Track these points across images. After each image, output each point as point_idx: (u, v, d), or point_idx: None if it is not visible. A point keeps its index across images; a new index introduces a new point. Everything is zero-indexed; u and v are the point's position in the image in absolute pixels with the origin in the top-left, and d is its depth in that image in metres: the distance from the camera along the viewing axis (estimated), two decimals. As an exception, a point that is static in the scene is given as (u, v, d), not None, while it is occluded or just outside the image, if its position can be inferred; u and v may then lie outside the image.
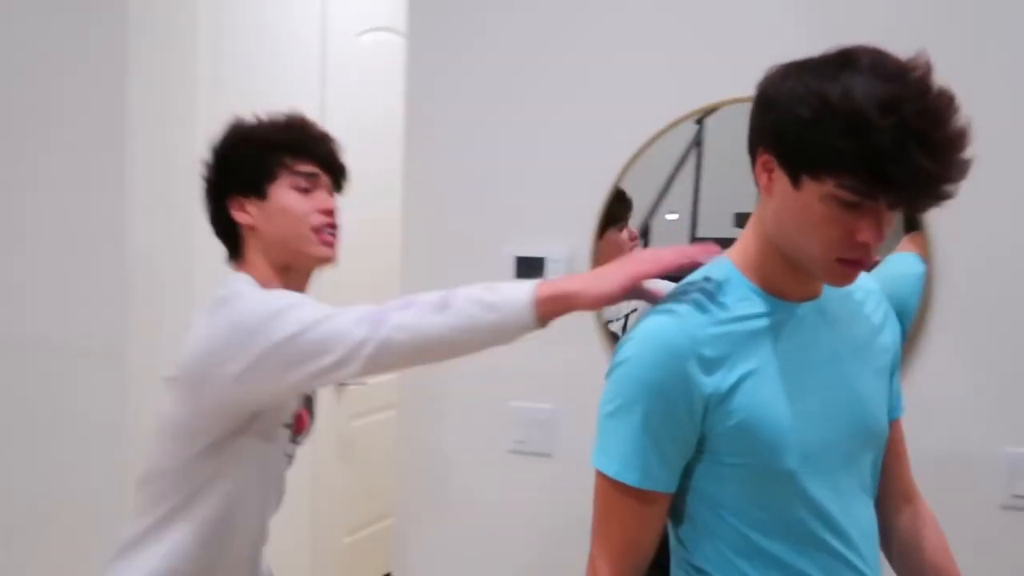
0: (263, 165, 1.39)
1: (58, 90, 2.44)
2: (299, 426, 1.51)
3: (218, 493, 1.37)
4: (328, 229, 1.41)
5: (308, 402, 1.57)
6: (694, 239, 2.02)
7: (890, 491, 1.19)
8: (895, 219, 0.98)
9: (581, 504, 2.15)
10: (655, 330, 1.03)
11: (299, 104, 2.84)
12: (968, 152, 0.91)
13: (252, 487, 1.42)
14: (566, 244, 2.11)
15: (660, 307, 1.06)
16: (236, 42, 2.75)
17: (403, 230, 2.23)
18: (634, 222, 2.06)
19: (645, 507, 1.08)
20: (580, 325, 2.11)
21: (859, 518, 1.07)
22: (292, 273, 1.42)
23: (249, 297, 1.29)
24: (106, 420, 2.43)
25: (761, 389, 1.00)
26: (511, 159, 2.12)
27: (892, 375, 1.17)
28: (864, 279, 1.16)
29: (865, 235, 0.94)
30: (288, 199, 1.38)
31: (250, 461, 1.38)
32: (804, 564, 1.03)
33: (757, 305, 1.05)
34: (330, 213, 1.41)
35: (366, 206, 2.55)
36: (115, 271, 2.42)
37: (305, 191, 1.40)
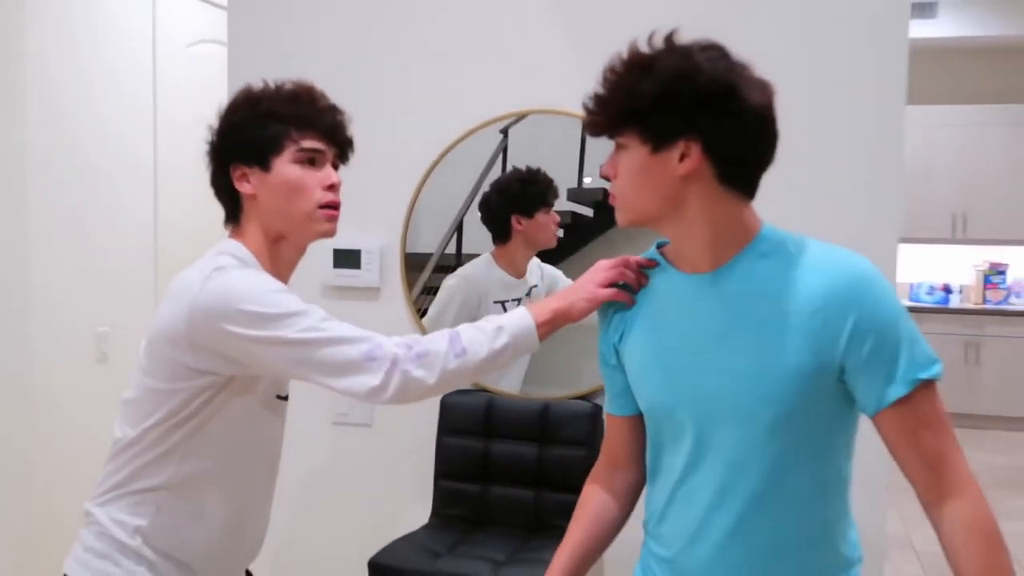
0: (268, 138, 1.37)
1: None
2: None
3: (191, 457, 1.35)
4: (331, 204, 1.41)
5: None
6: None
7: (915, 486, 1.12)
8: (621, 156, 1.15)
9: (399, 468, 2.40)
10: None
11: (132, 110, 3.00)
12: None
13: (235, 455, 1.39)
14: (378, 238, 2.38)
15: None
16: (70, 53, 2.83)
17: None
18: (446, 220, 2.35)
19: (612, 425, 1.33)
20: (395, 308, 2.38)
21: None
22: (285, 244, 1.42)
23: (245, 276, 1.30)
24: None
25: (631, 343, 1.24)
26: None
27: (864, 370, 1.09)
28: (818, 274, 1.10)
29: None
30: (292, 174, 1.37)
31: (229, 430, 1.37)
32: (674, 491, 1.21)
33: (656, 275, 1.24)
34: (334, 188, 1.40)
35: (199, 207, 2.72)
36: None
37: (310, 163, 1.39)
